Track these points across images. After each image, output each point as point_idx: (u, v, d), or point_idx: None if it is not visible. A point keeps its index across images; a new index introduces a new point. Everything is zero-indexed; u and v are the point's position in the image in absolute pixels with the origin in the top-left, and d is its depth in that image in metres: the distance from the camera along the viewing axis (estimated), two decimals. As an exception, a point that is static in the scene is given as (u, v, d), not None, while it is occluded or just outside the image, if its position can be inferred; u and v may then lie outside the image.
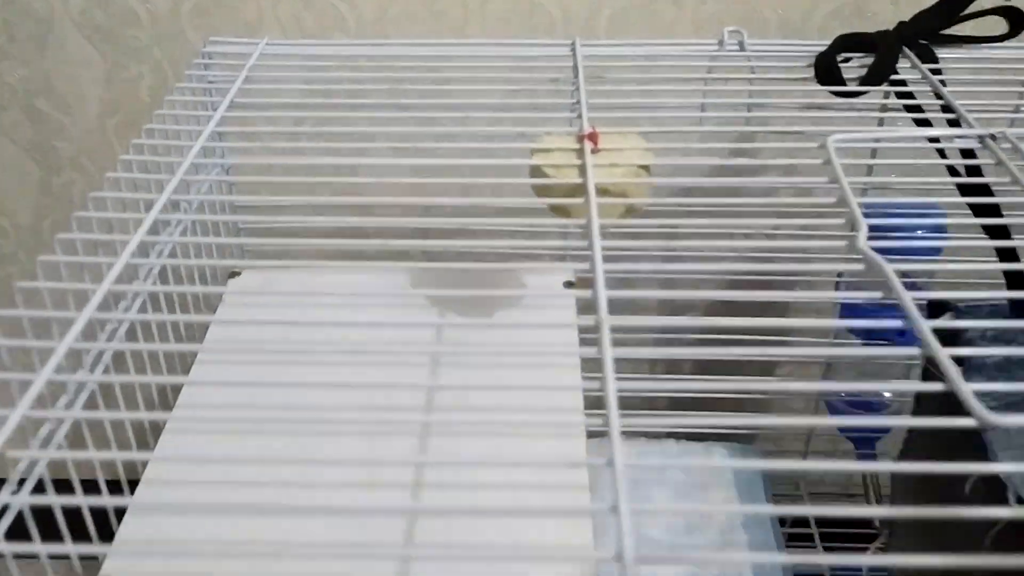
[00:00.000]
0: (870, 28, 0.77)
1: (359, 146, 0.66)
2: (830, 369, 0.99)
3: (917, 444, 0.79)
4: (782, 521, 1.06)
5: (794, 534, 1.08)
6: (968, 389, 0.42)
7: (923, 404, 0.80)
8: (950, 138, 0.64)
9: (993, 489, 0.62)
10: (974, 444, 0.65)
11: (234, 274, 0.83)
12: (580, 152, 0.62)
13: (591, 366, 0.49)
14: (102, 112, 1.01)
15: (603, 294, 0.48)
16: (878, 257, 0.50)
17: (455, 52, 0.80)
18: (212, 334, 0.75)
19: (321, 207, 0.62)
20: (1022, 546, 0.57)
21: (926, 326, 0.45)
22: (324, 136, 0.66)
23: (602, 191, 0.59)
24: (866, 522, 0.99)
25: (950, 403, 0.68)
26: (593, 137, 0.62)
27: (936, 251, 0.83)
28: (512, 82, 0.75)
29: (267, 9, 0.94)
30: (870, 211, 0.55)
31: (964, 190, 0.67)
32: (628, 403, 0.43)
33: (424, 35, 0.95)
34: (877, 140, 0.64)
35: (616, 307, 0.47)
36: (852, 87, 0.71)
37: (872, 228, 0.53)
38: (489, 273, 0.77)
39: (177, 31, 0.95)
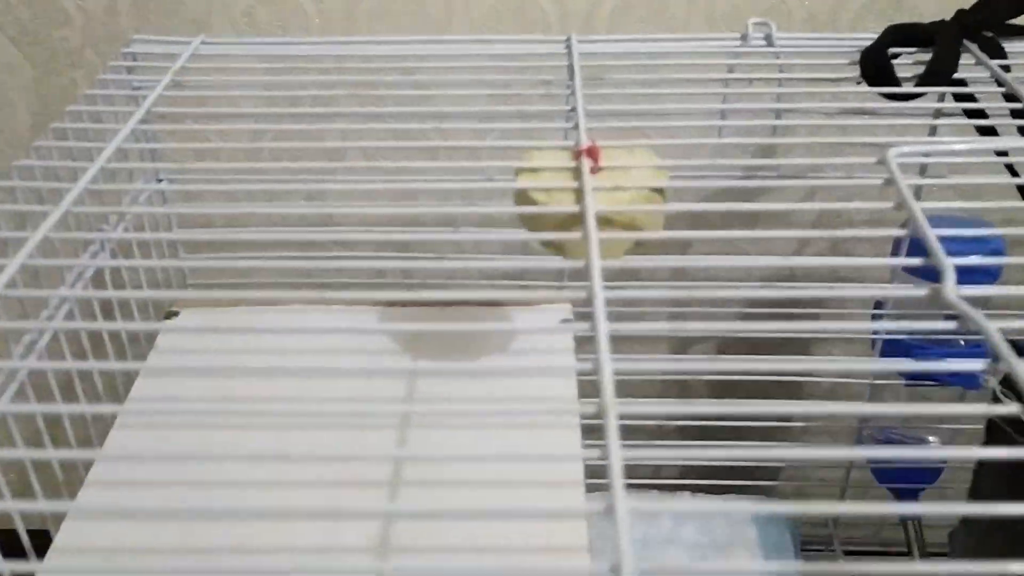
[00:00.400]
0: (912, 20, 0.65)
1: (319, 164, 0.54)
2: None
3: (981, 525, 0.67)
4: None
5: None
6: None
7: (989, 465, 0.68)
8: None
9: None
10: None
11: (171, 314, 0.71)
12: (576, 172, 0.49)
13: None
14: (33, 124, 0.88)
15: (608, 368, 0.36)
16: (977, 314, 0.37)
17: (432, 51, 0.68)
18: (138, 390, 0.63)
19: (279, 244, 0.49)
20: None
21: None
22: (278, 153, 0.54)
23: (604, 222, 0.46)
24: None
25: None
26: (593, 153, 0.50)
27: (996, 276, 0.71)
28: (497, 86, 0.62)
29: (216, 5, 0.82)
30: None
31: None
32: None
33: (401, 34, 0.83)
34: (951, 152, 0.51)
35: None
36: (908, 88, 0.59)
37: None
38: (473, 315, 0.65)
39: (114, 31, 0.83)
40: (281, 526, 0.48)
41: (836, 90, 0.62)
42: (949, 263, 0.40)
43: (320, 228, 0.71)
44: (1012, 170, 0.57)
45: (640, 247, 0.49)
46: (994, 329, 0.36)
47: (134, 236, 0.58)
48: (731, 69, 0.65)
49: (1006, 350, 0.35)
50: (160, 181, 0.68)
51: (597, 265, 0.42)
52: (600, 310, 0.39)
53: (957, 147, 0.51)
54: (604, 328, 0.38)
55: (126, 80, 0.62)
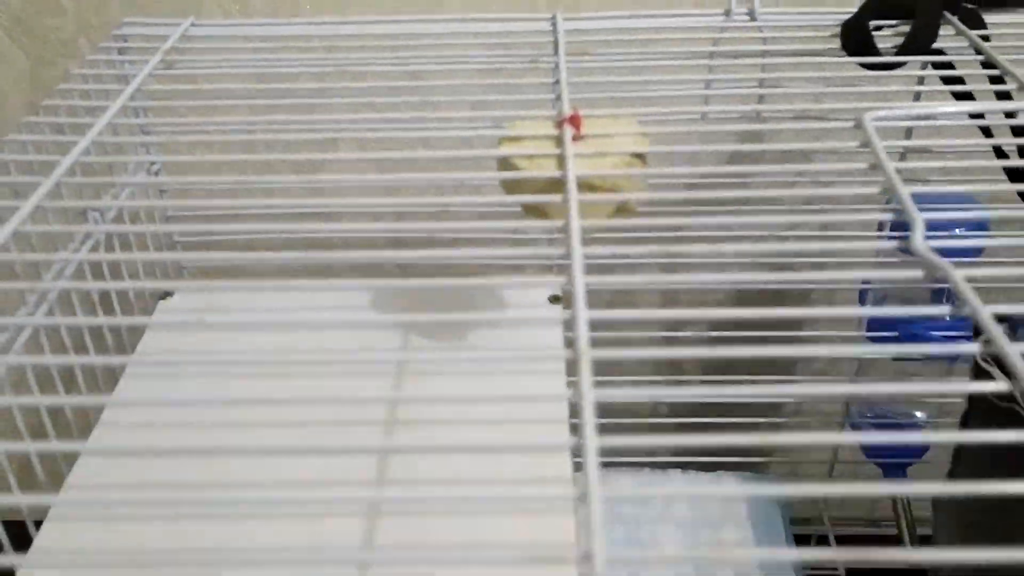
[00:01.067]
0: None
1: (297, 137, 0.54)
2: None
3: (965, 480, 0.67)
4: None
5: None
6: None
7: (972, 426, 0.68)
8: (1014, 113, 0.53)
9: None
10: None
11: (166, 295, 0.72)
12: (559, 140, 0.50)
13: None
14: (26, 113, 0.89)
15: (583, 318, 0.37)
16: (943, 261, 0.38)
17: (421, 30, 0.69)
18: (134, 365, 0.64)
19: (274, 213, 0.50)
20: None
21: (1016, 351, 0.34)
22: (270, 130, 0.55)
23: (586, 186, 0.47)
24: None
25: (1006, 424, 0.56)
26: (575, 121, 0.51)
27: (979, 251, 0.72)
28: (484, 62, 0.63)
29: (208, -9, 0.83)
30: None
31: (1014, 175, 0.56)
32: (624, 427, 0.32)
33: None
34: (927, 117, 0.52)
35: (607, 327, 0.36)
36: (888, 58, 0.60)
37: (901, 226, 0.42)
38: (464, 289, 0.66)
39: (107, 20, 0.84)
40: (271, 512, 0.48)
41: (820, 60, 0.63)
42: (919, 216, 0.41)
43: (312, 200, 0.72)
44: (987, 132, 0.58)
45: (623, 211, 0.49)
46: (961, 277, 0.37)
47: (127, 204, 0.59)
48: (716, 43, 0.66)
49: (971, 295, 0.36)
50: (153, 164, 0.69)
51: (577, 227, 0.43)
52: (578, 266, 0.40)
53: (935, 111, 0.52)
54: (581, 282, 0.39)
55: (116, 61, 0.63)
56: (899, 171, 0.45)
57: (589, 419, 0.32)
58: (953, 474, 0.70)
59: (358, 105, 0.57)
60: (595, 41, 0.64)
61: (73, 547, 0.49)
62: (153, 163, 0.68)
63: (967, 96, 0.60)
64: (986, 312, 0.36)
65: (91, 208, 0.57)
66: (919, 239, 0.40)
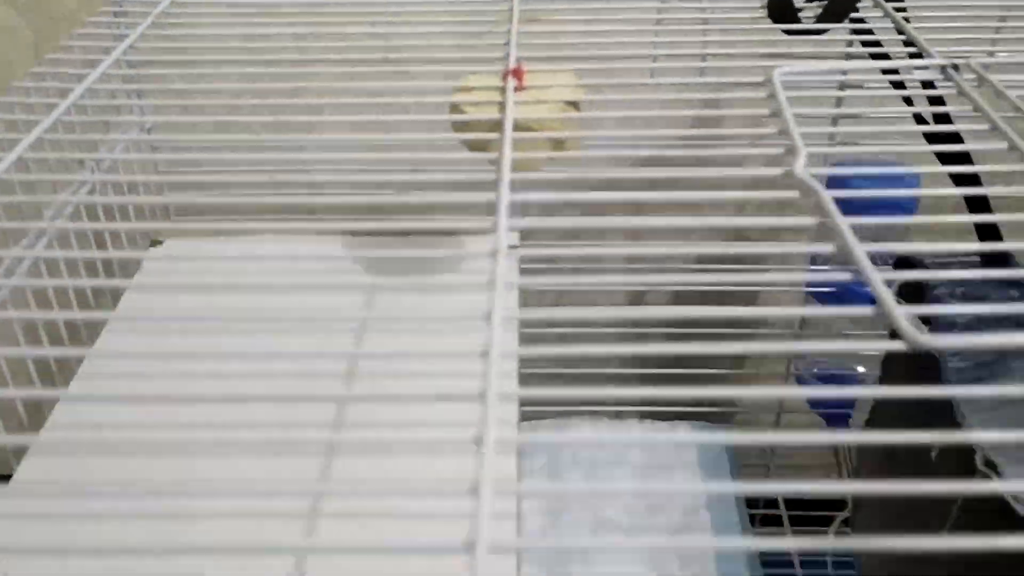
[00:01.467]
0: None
1: (281, 99, 0.61)
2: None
3: (883, 415, 0.74)
4: (753, 504, 1.01)
5: (766, 517, 1.02)
6: (899, 311, 0.36)
7: (889, 373, 0.75)
8: (909, 69, 0.59)
9: (961, 455, 0.57)
10: (943, 412, 0.60)
11: (156, 243, 0.78)
12: (503, 90, 0.57)
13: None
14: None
15: (504, 224, 0.43)
16: (814, 183, 0.44)
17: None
18: (124, 303, 0.70)
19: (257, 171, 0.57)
20: (988, 514, 0.52)
21: (861, 250, 0.40)
22: (256, 93, 0.61)
23: (523, 128, 0.53)
24: (839, 503, 0.94)
25: (917, 372, 0.63)
26: (517, 73, 0.57)
27: (910, 211, 0.78)
28: (449, 25, 0.70)
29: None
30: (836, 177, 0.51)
31: (923, 124, 0.62)
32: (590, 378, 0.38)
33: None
34: (830, 72, 0.58)
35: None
36: (808, 25, 0.66)
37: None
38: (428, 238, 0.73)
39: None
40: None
41: (751, 27, 0.69)
42: (802, 146, 0.47)
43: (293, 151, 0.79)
44: (898, 85, 0.65)
45: (559, 149, 0.56)
46: (828, 196, 0.43)
47: (124, 137, 0.66)
48: (660, 11, 0.72)
49: (834, 209, 0.42)
50: (143, 114, 0.76)
51: (508, 157, 0.49)
52: (505, 185, 0.46)
53: (839, 67, 0.58)
54: (506, 197, 0.45)
55: (113, 23, 0.70)
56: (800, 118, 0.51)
57: (499, 300, 0.39)
58: (873, 411, 0.77)
59: (336, 62, 0.63)
60: (546, 9, 0.70)
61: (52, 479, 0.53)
62: (143, 111, 0.74)
63: (884, 58, 0.67)
64: (845, 222, 0.42)
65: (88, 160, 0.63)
66: (799, 167, 0.46)
